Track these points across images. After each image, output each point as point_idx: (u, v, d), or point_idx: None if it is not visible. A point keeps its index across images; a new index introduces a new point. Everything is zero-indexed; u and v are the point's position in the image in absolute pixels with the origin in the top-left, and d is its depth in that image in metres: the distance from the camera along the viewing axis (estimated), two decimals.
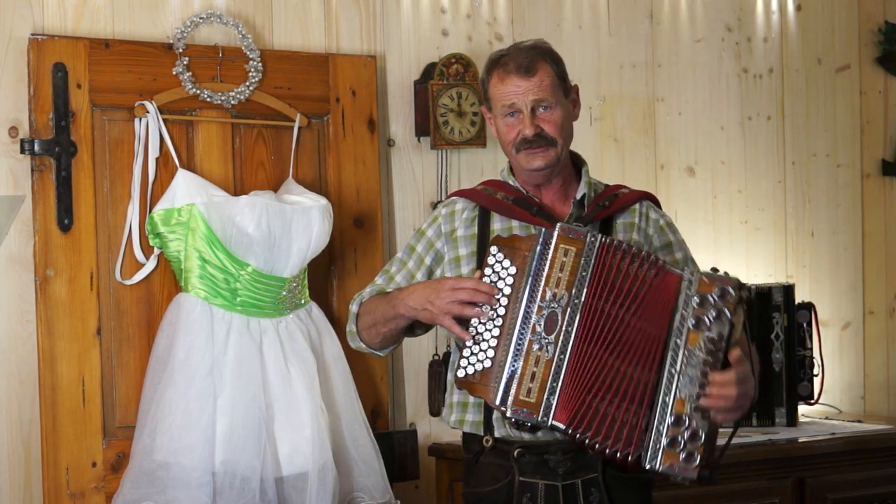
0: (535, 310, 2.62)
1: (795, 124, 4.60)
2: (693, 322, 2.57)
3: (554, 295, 2.61)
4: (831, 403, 4.52)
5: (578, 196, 2.83)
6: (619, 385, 2.60)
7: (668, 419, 2.55)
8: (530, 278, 2.63)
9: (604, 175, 4.10)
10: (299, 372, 3.43)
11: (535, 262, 2.63)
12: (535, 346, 2.61)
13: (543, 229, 2.65)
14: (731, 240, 4.46)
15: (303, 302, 3.55)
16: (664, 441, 2.54)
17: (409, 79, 3.92)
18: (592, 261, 2.62)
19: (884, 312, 4.74)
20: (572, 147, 2.87)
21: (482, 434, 2.78)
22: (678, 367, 2.57)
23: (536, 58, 2.77)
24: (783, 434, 4.03)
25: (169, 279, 3.47)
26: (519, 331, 2.62)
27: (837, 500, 3.96)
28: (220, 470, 3.30)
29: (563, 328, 2.61)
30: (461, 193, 2.92)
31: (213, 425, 3.31)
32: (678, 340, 2.58)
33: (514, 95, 2.75)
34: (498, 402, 2.62)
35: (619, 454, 2.59)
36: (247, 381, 3.37)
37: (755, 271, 4.47)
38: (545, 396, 2.60)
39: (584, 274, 2.62)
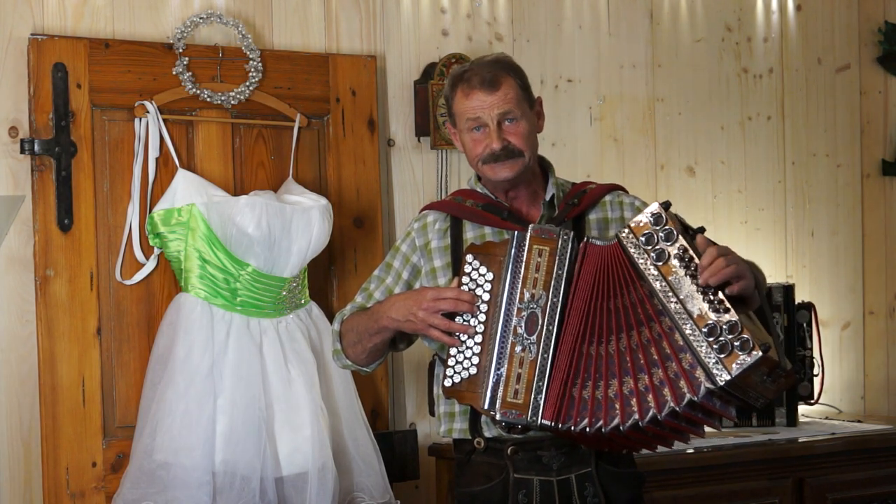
0: (515, 312, 2.64)
1: (795, 124, 4.60)
2: (654, 258, 2.59)
3: (532, 296, 2.64)
4: (831, 403, 4.52)
5: (548, 197, 2.85)
6: (624, 364, 2.58)
7: (703, 337, 2.53)
8: (507, 282, 2.65)
9: (604, 175, 4.11)
10: (299, 372, 3.44)
11: (510, 266, 2.66)
12: (518, 348, 2.63)
13: (516, 232, 2.67)
14: (731, 240, 4.44)
15: (303, 302, 3.55)
16: (715, 354, 2.51)
17: (409, 79, 3.92)
18: (567, 258, 2.65)
19: (884, 312, 4.74)
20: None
21: (471, 438, 2.79)
22: (676, 299, 2.56)
23: (500, 72, 2.78)
24: (783, 434, 4.03)
25: (169, 279, 3.48)
26: (501, 334, 2.64)
27: (837, 500, 3.96)
28: (220, 470, 3.30)
29: (545, 327, 2.63)
30: (431, 206, 2.94)
31: (213, 425, 3.31)
32: (658, 280, 2.58)
33: (479, 110, 2.76)
34: (486, 407, 2.64)
35: (641, 420, 2.54)
36: (247, 382, 3.37)
37: None
38: (532, 396, 2.62)
39: (559, 272, 2.65)
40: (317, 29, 3.80)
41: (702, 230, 2.70)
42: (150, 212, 3.41)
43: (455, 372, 2.67)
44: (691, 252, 2.58)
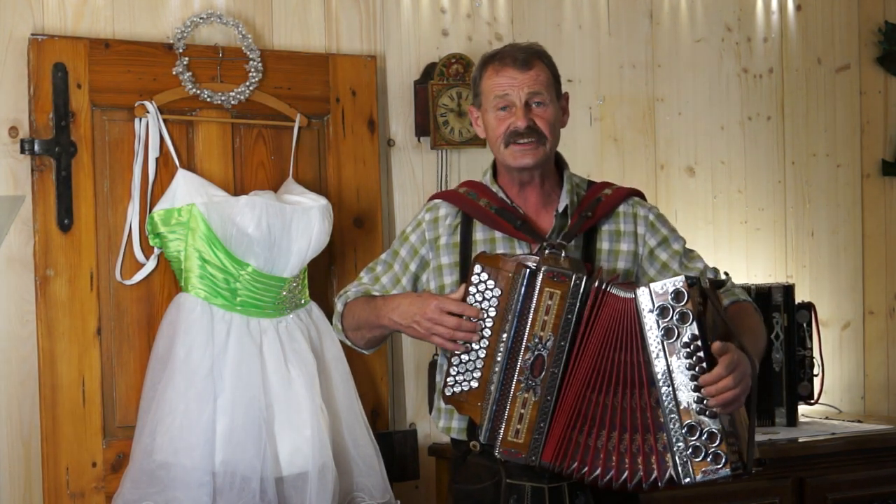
0: (522, 352, 2.62)
1: (795, 124, 4.60)
2: (662, 334, 2.56)
3: (540, 338, 2.61)
4: (831, 403, 4.52)
5: (561, 208, 2.81)
6: (614, 419, 2.59)
7: (682, 432, 2.55)
8: (515, 320, 2.62)
9: (604, 175, 4.11)
10: (299, 372, 3.44)
11: (519, 305, 2.62)
12: (522, 388, 2.62)
13: (527, 272, 2.61)
14: (731, 240, 4.46)
15: (303, 302, 3.55)
16: (688, 454, 2.55)
17: (409, 79, 3.93)
18: (578, 302, 2.61)
19: (884, 312, 4.74)
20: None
21: (468, 440, 2.79)
22: (669, 381, 2.56)
23: (533, 55, 2.78)
24: (783, 434, 4.03)
25: (169, 279, 3.48)
26: (505, 371, 2.62)
27: (837, 500, 3.96)
28: (220, 470, 3.30)
29: (550, 370, 2.61)
30: (444, 197, 2.91)
31: (213, 425, 3.31)
32: (659, 356, 2.57)
33: (508, 87, 2.73)
34: (485, 441, 2.65)
35: (629, 483, 2.59)
36: (247, 381, 3.37)
37: (755, 271, 4.47)
38: (533, 437, 2.62)
39: (569, 317, 2.61)
40: (317, 29, 3.80)
41: (725, 282, 2.67)
42: (150, 212, 3.41)
43: (456, 382, 2.67)
44: (700, 343, 2.55)
